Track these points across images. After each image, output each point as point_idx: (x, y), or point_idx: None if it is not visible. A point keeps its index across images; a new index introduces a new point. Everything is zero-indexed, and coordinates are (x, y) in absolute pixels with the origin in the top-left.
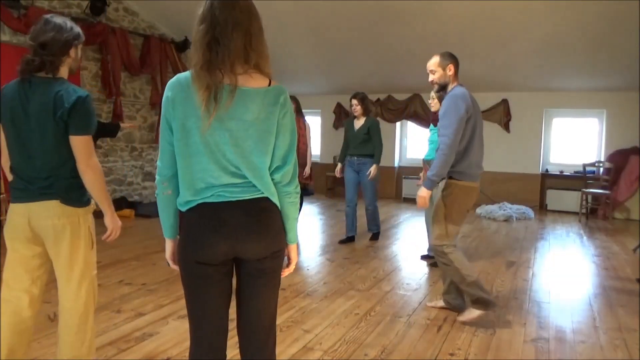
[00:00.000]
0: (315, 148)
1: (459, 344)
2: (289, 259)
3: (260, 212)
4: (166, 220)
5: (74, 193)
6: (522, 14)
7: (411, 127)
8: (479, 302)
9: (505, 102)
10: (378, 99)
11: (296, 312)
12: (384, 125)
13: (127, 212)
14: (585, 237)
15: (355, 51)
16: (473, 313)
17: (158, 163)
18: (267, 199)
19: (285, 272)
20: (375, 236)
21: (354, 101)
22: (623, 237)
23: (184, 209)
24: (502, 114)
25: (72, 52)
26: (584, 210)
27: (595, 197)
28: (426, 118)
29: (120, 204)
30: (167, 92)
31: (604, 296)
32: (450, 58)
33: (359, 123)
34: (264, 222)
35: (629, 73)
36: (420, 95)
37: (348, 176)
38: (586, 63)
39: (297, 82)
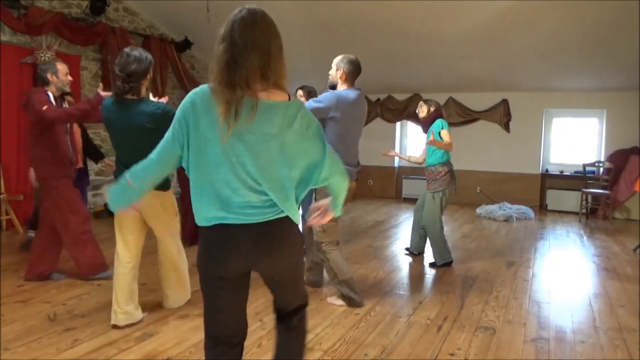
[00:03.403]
0: None
1: (459, 344)
2: (324, 210)
3: (274, 234)
4: (119, 204)
5: (162, 182)
6: (522, 14)
7: (411, 127)
8: (346, 299)
9: (505, 102)
10: (378, 99)
11: None
12: (384, 125)
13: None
14: (585, 237)
15: (355, 51)
16: (337, 302)
17: (151, 157)
18: (282, 220)
19: (314, 220)
20: None
21: (301, 92)
22: (623, 237)
23: (203, 224)
24: (502, 114)
25: (148, 76)
26: (584, 210)
27: (595, 197)
28: None
29: None
30: (191, 99)
31: (604, 296)
32: (347, 64)
33: None
34: (277, 245)
35: (629, 73)
36: (421, 95)
37: None
38: (586, 63)
39: (296, 81)
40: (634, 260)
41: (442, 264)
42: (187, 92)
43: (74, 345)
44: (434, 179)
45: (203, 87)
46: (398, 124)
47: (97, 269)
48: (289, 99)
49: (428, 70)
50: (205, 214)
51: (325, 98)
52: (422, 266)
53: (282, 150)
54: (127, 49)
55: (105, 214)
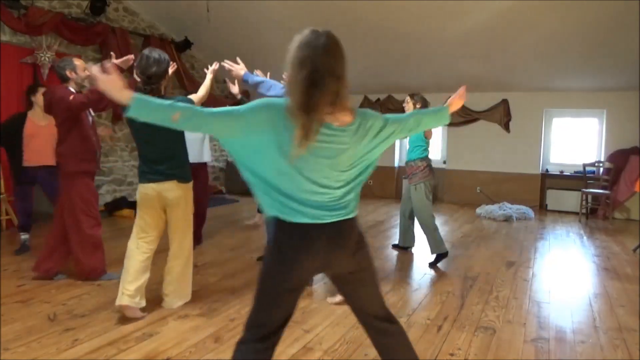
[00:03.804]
0: None
1: (459, 344)
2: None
3: (345, 233)
4: (139, 111)
5: (187, 173)
6: (522, 14)
7: None
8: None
9: (505, 102)
10: (378, 99)
11: (296, 312)
12: None
13: (127, 212)
14: (585, 237)
15: (355, 51)
16: (336, 299)
17: (203, 110)
18: (352, 219)
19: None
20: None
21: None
22: (623, 237)
23: (274, 219)
24: (502, 114)
25: (167, 76)
26: (584, 210)
27: (595, 197)
28: None
29: (120, 204)
30: (269, 107)
31: (604, 296)
32: None
33: None
34: (348, 242)
35: (629, 73)
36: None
37: None
38: (586, 63)
39: None
40: (634, 260)
41: (439, 256)
42: (187, 92)
43: (74, 345)
44: (414, 173)
45: (279, 101)
46: None
47: (97, 274)
48: (354, 115)
49: (428, 70)
50: (279, 213)
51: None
52: (422, 266)
53: (360, 160)
54: (146, 51)
55: (105, 214)
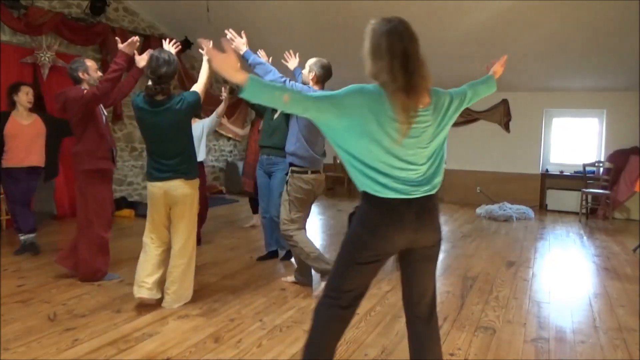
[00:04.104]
0: None
1: (459, 344)
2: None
3: (431, 208)
4: (254, 94)
5: (194, 169)
6: (522, 14)
7: None
8: (326, 273)
9: (505, 102)
10: None
11: (296, 312)
12: None
13: (127, 212)
14: (585, 237)
15: (355, 51)
16: (289, 279)
17: (308, 94)
18: (434, 196)
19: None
20: (286, 255)
21: None
22: (623, 237)
23: (364, 194)
24: (502, 114)
25: (175, 76)
26: (584, 210)
27: (595, 197)
28: None
29: (120, 204)
30: (365, 93)
31: (604, 296)
32: (319, 68)
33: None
34: (433, 216)
35: (629, 73)
36: None
37: (260, 180)
38: (586, 63)
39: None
40: (634, 260)
41: None
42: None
43: (74, 345)
44: None
45: (372, 87)
46: None
47: (99, 277)
48: (430, 96)
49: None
50: (372, 189)
51: (309, 89)
52: None
53: (436, 136)
54: (155, 52)
55: None
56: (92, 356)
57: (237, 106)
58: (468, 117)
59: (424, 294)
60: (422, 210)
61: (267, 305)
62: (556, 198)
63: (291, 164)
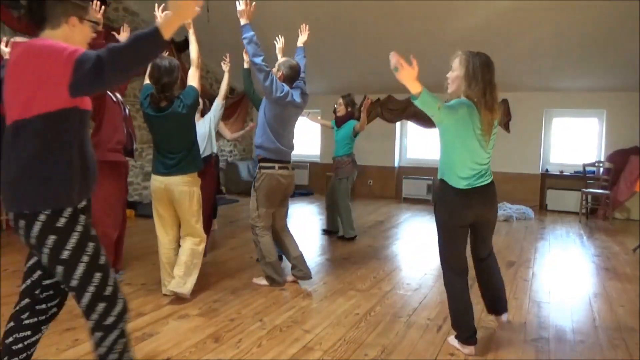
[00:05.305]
0: (315, 148)
1: None
2: None
3: (492, 193)
4: (428, 103)
5: (200, 163)
6: (522, 14)
7: (411, 127)
8: (269, 279)
9: (505, 102)
10: (378, 99)
11: (296, 312)
12: (384, 125)
13: (126, 212)
14: (585, 237)
15: (355, 51)
16: (262, 281)
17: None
18: (492, 182)
19: None
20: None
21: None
22: (623, 237)
23: (455, 186)
24: (502, 114)
25: (178, 81)
26: (584, 210)
27: (595, 197)
28: (427, 118)
29: None
30: (466, 106)
31: (604, 296)
32: (287, 68)
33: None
34: (493, 200)
35: (629, 73)
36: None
37: None
38: (586, 63)
39: None
40: (634, 260)
41: (349, 238)
42: None
43: (74, 345)
44: (341, 167)
45: (469, 102)
46: (398, 124)
47: None
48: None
49: (428, 70)
50: (454, 182)
51: (282, 86)
52: (423, 266)
53: (491, 142)
54: (157, 61)
55: None
56: (92, 356)
57: (237, 106)
58: None
59: (489, 243)
60: (486, 195)
61: (267, 305)
62: (556, 198)
63: (260, 160)
